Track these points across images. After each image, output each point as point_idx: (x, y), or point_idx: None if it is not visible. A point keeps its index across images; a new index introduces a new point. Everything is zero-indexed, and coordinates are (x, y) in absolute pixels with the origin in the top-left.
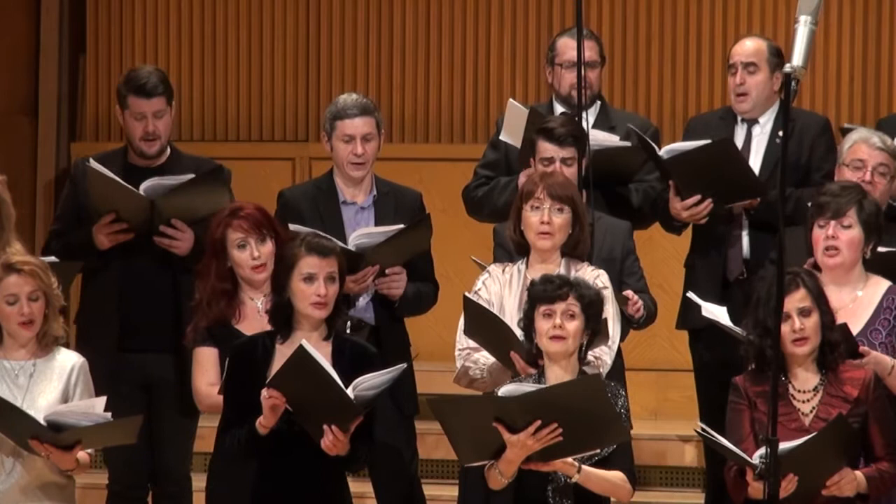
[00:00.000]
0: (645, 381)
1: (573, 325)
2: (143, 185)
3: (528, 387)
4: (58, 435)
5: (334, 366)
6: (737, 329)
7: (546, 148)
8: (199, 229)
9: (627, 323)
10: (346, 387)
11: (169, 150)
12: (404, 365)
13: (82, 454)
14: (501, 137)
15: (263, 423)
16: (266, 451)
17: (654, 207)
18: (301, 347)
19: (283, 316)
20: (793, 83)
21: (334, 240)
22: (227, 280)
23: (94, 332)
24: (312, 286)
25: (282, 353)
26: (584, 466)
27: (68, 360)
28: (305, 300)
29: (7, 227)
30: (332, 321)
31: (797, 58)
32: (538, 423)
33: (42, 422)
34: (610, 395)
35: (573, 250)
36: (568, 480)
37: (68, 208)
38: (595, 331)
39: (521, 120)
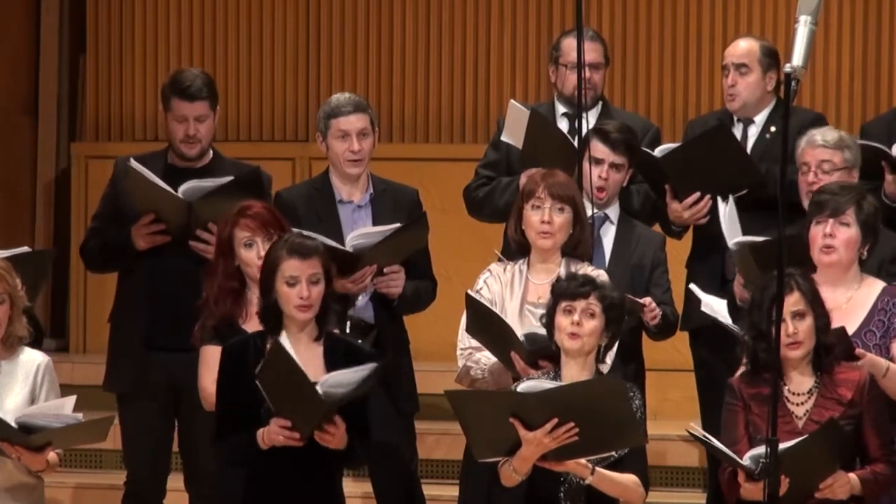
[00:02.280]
0: (645, 381)
1: (591, 325)
2: (182, 188)
3: (547, 383)
4: (29, 437)
5: (327, 365)
6: (734, 326)
7: (598, 148)
8: None
9: (644, 331)
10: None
11: (211, 153)
12: (375, 364)
13: (52, 455)
14: (503, 138)
15: (267, 443)
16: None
17: (654, 212)
18: (277, 342)
19: (273, 317)
20: (793, 83)
21: (318, 237)
22: (234, 279)
23: (125, 330)
24: (295, 289)
25: None
26: (597, 468)
27: (33, 360)
28: (290, 303)
29: None
30: (322, 321)
31: (797, 58)
32: (555, 420)
33: (13, 424)
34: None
35: (574, 250)
36: (581, 482)
37: (108, 207)
38: (615, 333)
39: (522, 121)
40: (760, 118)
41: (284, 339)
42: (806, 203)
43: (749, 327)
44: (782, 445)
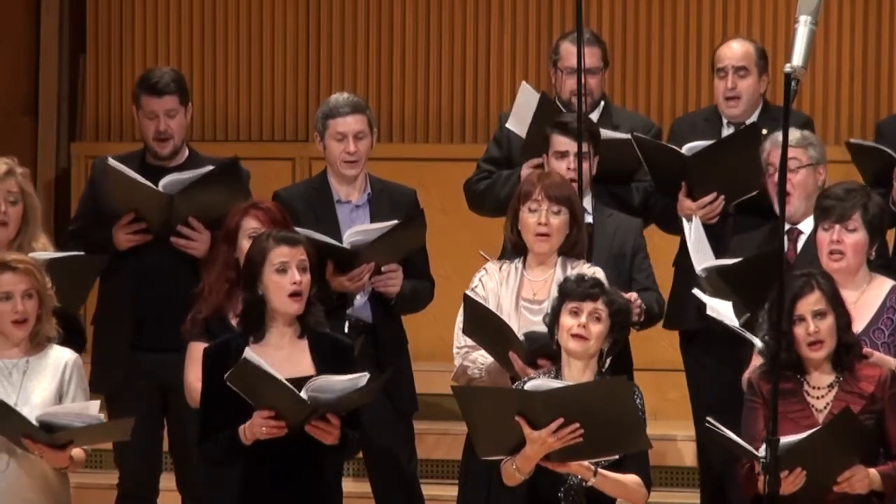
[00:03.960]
0: (645, 381)
1: (598, 328)
2: (162, 182)
3: (554, 382)
4: (50, 435)
5: (316, 361)
6: (741, 329)
7: (561, 141)
8: (217, 231)
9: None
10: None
11: (187, 150)
12: (366, 374)
13: (77, 451)
14: (508, 125)
15: (249, 438)
16: (251, 447)
17: (650, 210)
18: (243, 359)
19: (256, 315)
20: (793, 83)
21: (316, 234)
22: (232, 269)
23: (109, 331)
24: (286, 276)
25: (256, 354)
26: (599, 470)
27: (62, 357)
28: (281, 291)
29: (32, 220)
30: (304, 318)
31: (797, 58)
32: (560, 420)
33: (34, 422)
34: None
35: (571, 250)
36: (582, 482)
37: (86, 208)
38: (617, 339)
39: (531, 104)
40: (750, 121)
41: (250, 353)
42: (775, 204)
43: (769, 327)
44: (797, 437)
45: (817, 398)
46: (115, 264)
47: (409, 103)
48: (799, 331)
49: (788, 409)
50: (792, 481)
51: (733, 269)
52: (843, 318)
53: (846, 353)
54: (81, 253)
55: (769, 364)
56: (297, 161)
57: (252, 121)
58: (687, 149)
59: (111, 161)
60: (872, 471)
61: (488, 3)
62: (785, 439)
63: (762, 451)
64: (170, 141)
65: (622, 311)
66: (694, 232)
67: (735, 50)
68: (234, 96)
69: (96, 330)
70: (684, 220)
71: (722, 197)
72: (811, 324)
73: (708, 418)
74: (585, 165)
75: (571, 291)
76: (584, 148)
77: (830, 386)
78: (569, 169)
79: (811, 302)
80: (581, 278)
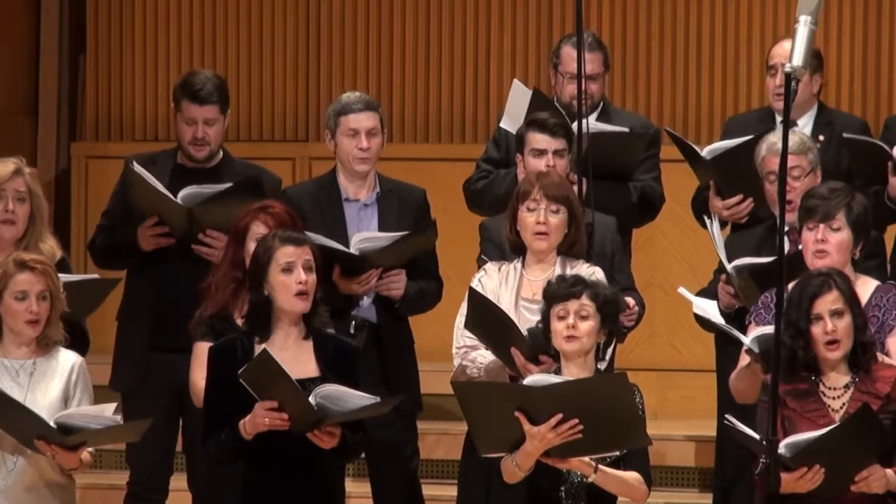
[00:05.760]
0: (645, 381)
1: (586, 325)
2: (181, 194)
3: (554, 378)
4: (65, 436)
5: (319, 363)
6: (727, 327)
7: (539, 139)
8: None
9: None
10: (332, 383)
11: (221, 153)
12: (377, 399)
13: (85, 454)
14: (501, 124)
15: (249, 431)
16: (254, 446)
17: (692, 204)
18: (265, 351)
19: (262, 314)
20: (793, 83)
21: (326, 240)
22: (238, 269)
23: (131, 329)
24: (292, 275)
25: None
26: (600, 466)
27: (68, 360)
28: (287, 291)
29: (40, 220)
30: (310, 319)
31: (797, 58)
32: (560, 415)
33: (51, 423)
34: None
35: (569, 250)
36: (584, 480)
37: (117, 205)
38: (613, 330)
39: (524, 101)
40: (804, 122)
41: (270, 349)
42: (775, 211)
43: (787, 326)
44: (815, 433)
45: (833, 398)
46: (139, 264)
47: (409, 103)
48: (816, 330)
49: (806, 408)
50: (810, 478)
51: (766, 267)
52: (859, 317)
53: (863, 354)
54: (96, 276)
55: (775, 361)
56: (297, 161)
57: (252, 121)
58: (708, 152)
59: (135, 165)
60: (890, 471)
61: (488, 3)
62: (803, 436)
63: (781, 449)
64: (206, 147)
65: (609, 302)
66: (716, 230)
67: (787, 48)
68: (234, 96)
69: (120, 327)
70: (706, 219)
71: (750, 199)
72: (829, 323)
73: (727, 415)
74: (564, 161)
75: (554, 294)
76: (562, 145)
77: (846, 386)
78: (547, 166)
79: (829, 301)
80: (562, 279)
